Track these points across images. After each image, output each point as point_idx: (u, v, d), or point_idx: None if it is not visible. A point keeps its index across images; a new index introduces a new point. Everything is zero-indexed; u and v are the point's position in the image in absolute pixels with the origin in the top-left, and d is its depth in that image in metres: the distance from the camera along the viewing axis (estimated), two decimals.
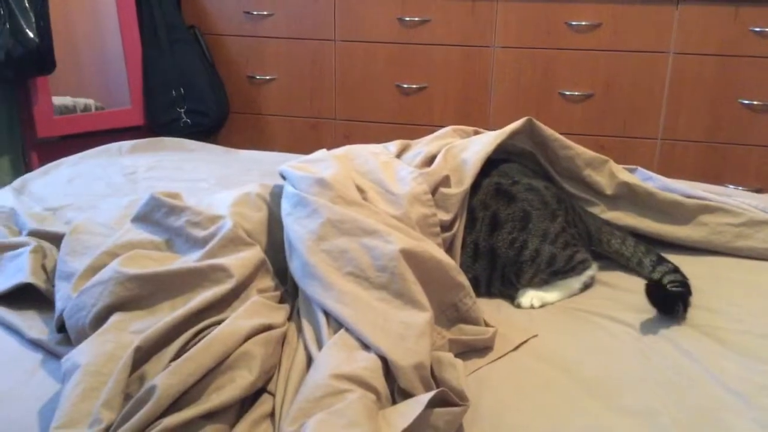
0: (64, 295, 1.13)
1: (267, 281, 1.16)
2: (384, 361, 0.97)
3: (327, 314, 1.06)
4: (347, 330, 1.02)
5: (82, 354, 0.97)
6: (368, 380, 0.93)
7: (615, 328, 1.19)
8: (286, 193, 1.27)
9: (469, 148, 1.39)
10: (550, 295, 1.30)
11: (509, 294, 1.32)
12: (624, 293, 1.32)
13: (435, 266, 1.14)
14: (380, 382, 0.95)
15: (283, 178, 1.31)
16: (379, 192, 1.27)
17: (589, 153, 1.47)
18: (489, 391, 1.02)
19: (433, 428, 0.90)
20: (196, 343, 0.97)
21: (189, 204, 1.26)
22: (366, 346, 1.00)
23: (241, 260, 1.13)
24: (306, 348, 1.04)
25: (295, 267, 1.15)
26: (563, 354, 1.11)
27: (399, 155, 1.44)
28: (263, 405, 0.97)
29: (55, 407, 0.91)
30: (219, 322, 1.02)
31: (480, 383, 1.04)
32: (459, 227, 1.30)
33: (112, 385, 0.91)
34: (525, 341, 1.15)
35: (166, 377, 0.88)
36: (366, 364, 0.95)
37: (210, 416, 0.89)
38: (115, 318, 1.05)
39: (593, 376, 1.05)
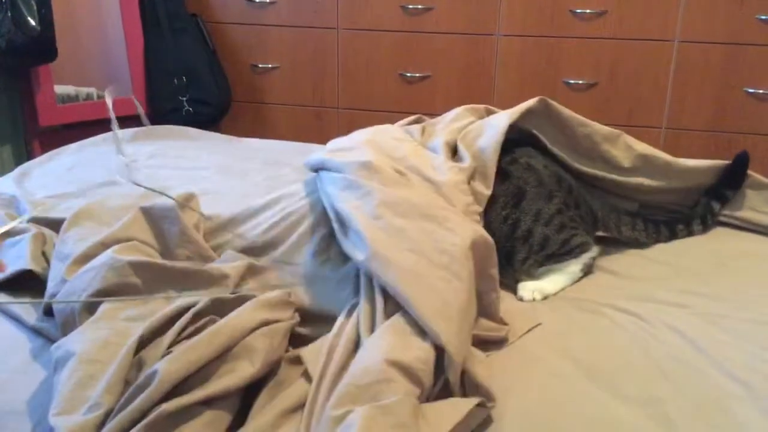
0: (56, 275, 1.12)
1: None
2: (437, 349, 0.95)
3: (385, 298, 1.03)
4: (405, 311, 0.99)
5: (76, 342, 0.96)
6: (418, 373, 0.91)
7: (619, 316, 1.18)
8: (332, 179, 1.24)
9: (484, 133, 1.38)
10: (550, 285, 1.28)
11: (508, 282, 1.30)
12: (628, 281, 1.31)
13: (485, 254, 1.12)
14: (428, 378, 0.92)
15: (314, 171, 1.31)
16: (416, 179, 1.26)
17: (604, 128, 1.47)
18: (493, 379, 1.00)
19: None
20: (192, 330, 0.97)
21: (197, 238, 1.23)
22: (422, 332, 0.96)
23: (234, 267, 1.15)
24: (357, 328, 1.02)
25: (352, 246, 1.12)
26: (567, 342, 1.10)
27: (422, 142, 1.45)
28: (292, 396, 0.95)
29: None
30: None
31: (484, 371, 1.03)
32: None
33: (114, 371, 0.90)
34: (529, 330, 1.14)
35: (168, 363, 0.88)
36: (419, 354, 0.93)
37: (210, 403, 0.89)
38: (106, 306, 1.04)
39: (597, 365, 1.04)
